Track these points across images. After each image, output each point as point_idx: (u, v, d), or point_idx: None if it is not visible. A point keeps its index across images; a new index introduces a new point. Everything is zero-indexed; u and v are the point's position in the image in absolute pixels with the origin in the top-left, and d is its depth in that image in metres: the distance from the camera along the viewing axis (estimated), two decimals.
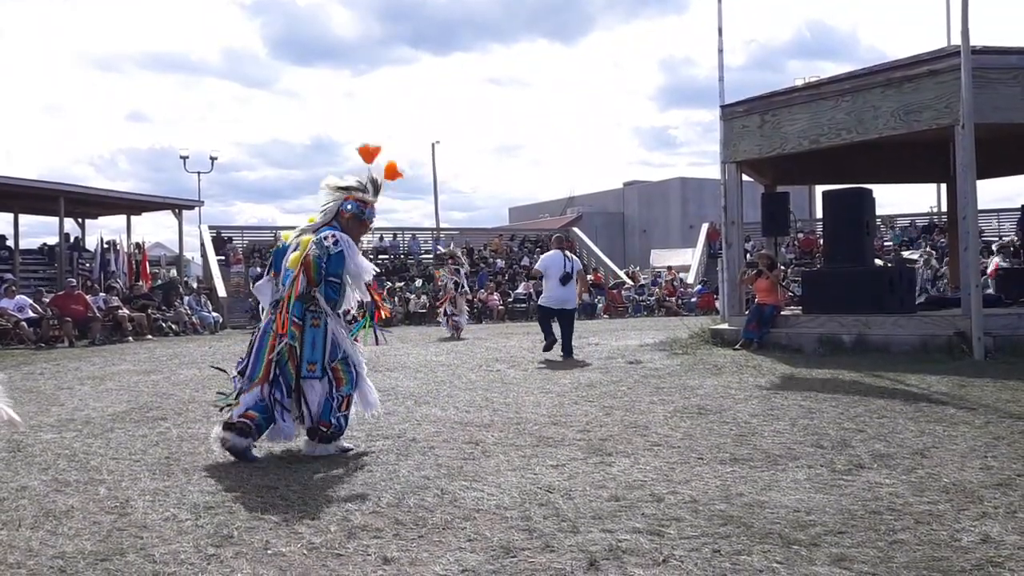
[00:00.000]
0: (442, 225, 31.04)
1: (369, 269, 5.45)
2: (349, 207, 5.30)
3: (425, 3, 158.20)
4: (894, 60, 11.33)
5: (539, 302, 12.18)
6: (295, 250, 5.19)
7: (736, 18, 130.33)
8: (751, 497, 4.02)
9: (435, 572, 3.12)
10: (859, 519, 3.62)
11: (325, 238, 5.15)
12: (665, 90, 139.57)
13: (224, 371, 6.10)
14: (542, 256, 12.28)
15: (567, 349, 11.25)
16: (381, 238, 29.86)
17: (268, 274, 5.52)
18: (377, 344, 5.93)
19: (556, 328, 11.57)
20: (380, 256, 28.33)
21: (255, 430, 5.05)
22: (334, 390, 5.15)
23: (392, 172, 5.44)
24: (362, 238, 5.61)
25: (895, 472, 4.44)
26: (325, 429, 5.11)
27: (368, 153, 5.38)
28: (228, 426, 5.06)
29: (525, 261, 29.70)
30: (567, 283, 11.30)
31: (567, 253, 11.66)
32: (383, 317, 5.65)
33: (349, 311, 5.50)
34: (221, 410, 5.45)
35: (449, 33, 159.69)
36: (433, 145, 32.23)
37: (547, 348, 11.39)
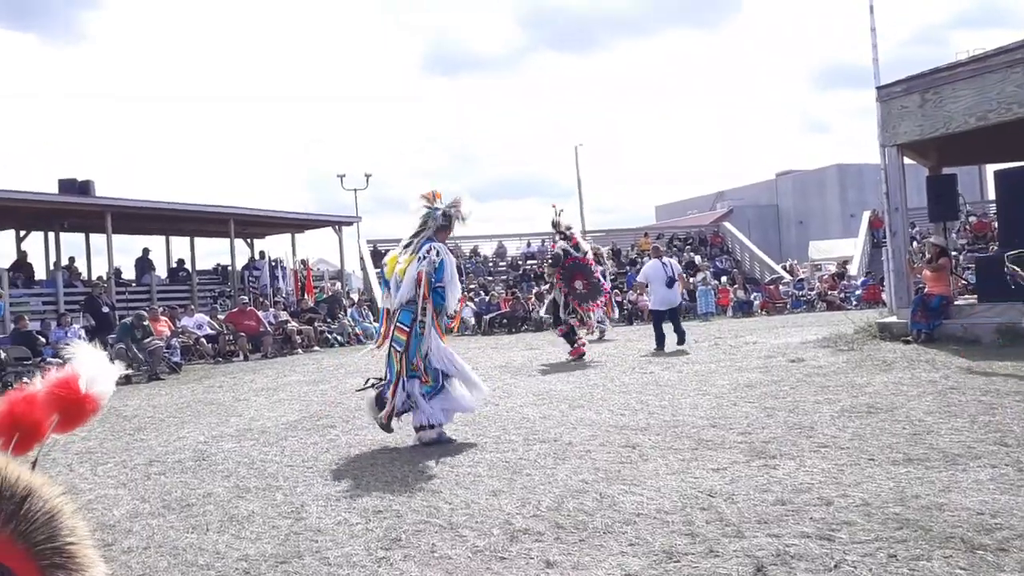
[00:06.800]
0: (587, 227, 30.79)
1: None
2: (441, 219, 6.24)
3: (562, 6, 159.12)
4: None
5: (651, 307, 13.91)
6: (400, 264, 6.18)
7: None
8: (929, 499, 3.80)
9: None
10: None
11: (428, 251, 6.05)
12: (818, 73, 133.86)
13: (372, 386, 6.55)
14: (643, 268, 13.55)
15: (681, 337, 12.64)
16: (528, 244, 30.10)
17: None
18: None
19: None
20: (529, 261, 28.50)
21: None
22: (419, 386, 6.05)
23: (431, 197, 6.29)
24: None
25: None
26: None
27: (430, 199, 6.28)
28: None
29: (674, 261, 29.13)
30: (672, 286, 12.84)
31: (664, 260, 13.25)
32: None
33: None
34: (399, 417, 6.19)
35: (589, 32, 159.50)
36: (576, 148, 32.06)
37: (659, 347, 12.46)
